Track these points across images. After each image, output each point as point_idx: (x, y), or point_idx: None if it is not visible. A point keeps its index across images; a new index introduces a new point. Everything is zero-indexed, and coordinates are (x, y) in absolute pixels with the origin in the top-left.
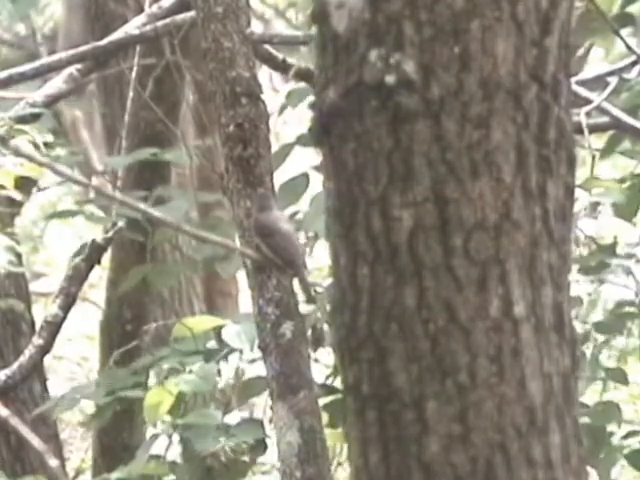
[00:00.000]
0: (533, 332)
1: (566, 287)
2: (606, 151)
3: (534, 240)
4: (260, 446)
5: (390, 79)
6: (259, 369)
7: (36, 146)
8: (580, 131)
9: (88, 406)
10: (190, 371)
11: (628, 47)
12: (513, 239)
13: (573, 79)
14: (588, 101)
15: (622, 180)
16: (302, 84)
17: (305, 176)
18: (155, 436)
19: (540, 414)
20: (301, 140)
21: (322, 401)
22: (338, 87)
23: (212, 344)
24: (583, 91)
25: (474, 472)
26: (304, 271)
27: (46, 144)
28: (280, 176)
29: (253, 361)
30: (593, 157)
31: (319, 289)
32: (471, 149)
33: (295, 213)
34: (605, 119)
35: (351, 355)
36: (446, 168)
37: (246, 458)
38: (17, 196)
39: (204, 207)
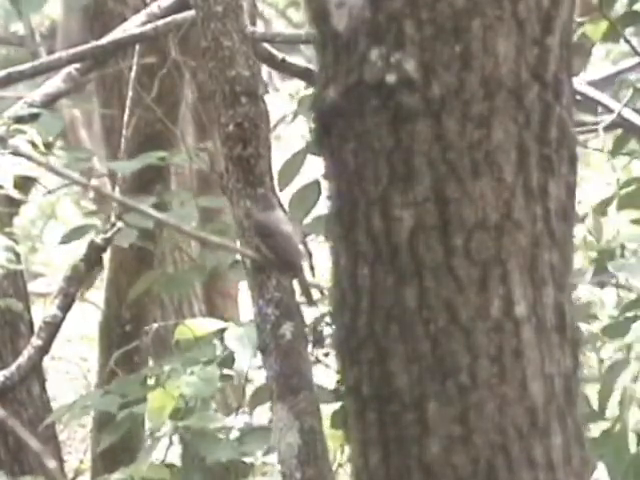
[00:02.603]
0: (534, 332)
1: (568, 287)
2: (614, 151)
3: (535, 240)
4: (269, 453)
5: (391, 78)
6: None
7: (35, 146)
8: (589, 131)
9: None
10: (192, 373)
11: (634, 50)
12: (514, 239)
13: (584, 80)
14: (595, 101)
15: (627, 183)
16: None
17: (316, 184)
18: (157, 439)
19: (541, 415)
20: (310, 148)
21: (333, 407)
22: (338, 86)
23: (216, 345)
24: (592, 91)
25: (475, 473)
26: (304, 272)
27: (46, 145)
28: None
29: (261, 367)
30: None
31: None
32: (472, 148)
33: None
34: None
35: (351, 356)
36: (447, 168)
37: (249, 460)
38: (16, 195)
39: (207, 210)
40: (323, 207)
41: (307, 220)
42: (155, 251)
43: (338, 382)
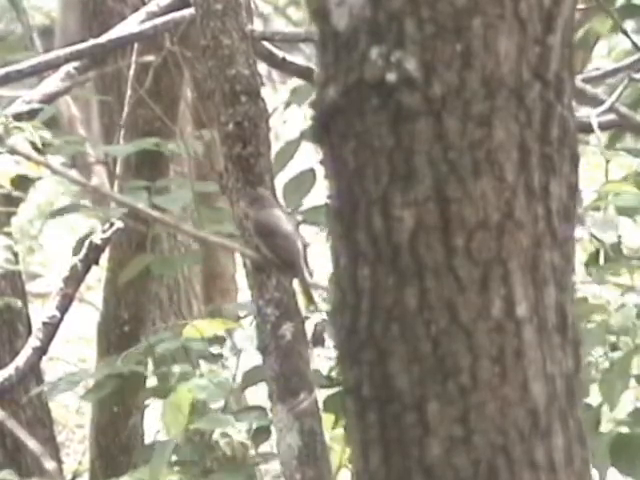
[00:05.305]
0: (536, 333)
1: (569, 287)
2: (608, 147)
3: (537, 240)
4: (263, 433)
5: (391, 77)
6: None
7: (33, 145)
8: (590, 130)
9: (86, 406)
10: (201, 375)
11: (635, 45)
12: (516, 239)
13: (579, 77)
14: (594, 99)
15: (625, 180)
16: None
17: (311, 172)
18: (169, 442)
19: (543, 416)
20: (305, 136)
21: (326, 393)
22: (338, 85)
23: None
24: (589, 89)
25: (476, 475)
26: (304, 271)
27: (44, 144)
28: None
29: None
30: (607, 162)
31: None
32: (473, 148)
33: (298, 206)
34: (610, 117)
35: (351, 357)
36: (448, 167)
37: (250, 451)
38: (14, 193)
39: (204, 199)
40: (319, 197)
41: (302, 209)
42: (148, 234)
43: (332, 369)
